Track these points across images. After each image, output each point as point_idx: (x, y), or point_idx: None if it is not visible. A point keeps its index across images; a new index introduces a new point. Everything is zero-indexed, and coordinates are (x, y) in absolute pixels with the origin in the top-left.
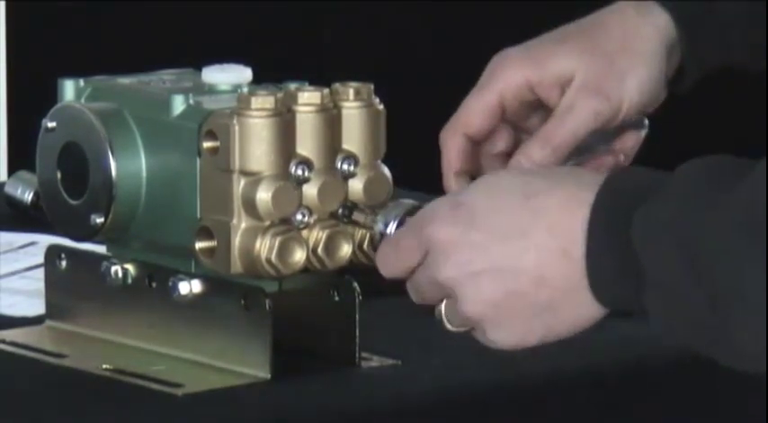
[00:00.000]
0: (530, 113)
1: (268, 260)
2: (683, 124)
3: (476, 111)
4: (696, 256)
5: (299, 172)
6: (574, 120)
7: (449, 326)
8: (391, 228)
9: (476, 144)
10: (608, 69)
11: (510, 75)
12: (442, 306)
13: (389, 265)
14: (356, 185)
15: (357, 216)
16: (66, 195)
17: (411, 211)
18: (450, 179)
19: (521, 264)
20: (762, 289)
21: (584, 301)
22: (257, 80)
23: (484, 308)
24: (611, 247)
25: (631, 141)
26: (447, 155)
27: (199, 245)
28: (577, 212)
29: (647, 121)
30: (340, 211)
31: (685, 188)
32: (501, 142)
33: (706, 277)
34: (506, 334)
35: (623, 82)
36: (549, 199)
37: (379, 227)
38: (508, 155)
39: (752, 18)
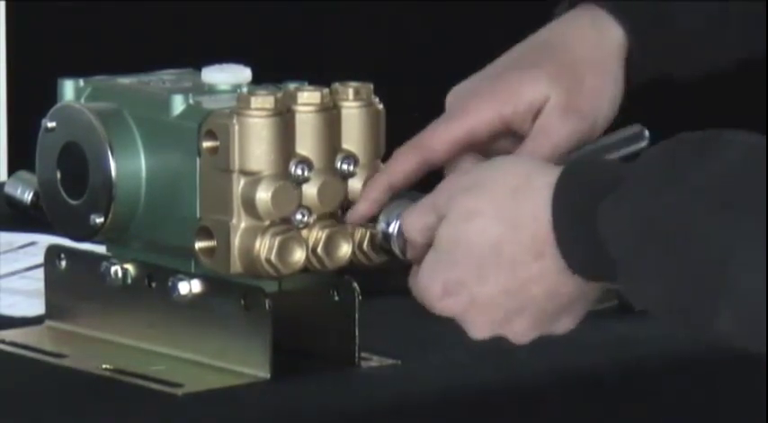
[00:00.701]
0: (496, 139)
1: (268, 260)
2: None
3: (442, 142)
4: (667, 238)
5: (299, 172)
6: (550, 141)
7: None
8: (393, 227)
9: (425, 169)
10: (579, 89)
11: (482, 111)
12: None
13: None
14: (356, 185)
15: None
16: (66, 195)
17: None
18: (381, 185)
19: (531, 296)
20: (738, 267)
21: (594, 289)
22: (257, 80)
23: (530, 332)
24: (580, 245)
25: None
26: (393, 169)
27: (198, 245)
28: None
29: (647, 133)
30: (340, 211)
31: (652, 171)
32: (463, 164)
33: (678, 258)
34: (555, 331)
35: (597, 100)
36: (520, 247)
37: (380, 226)
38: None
39: (707, 33)
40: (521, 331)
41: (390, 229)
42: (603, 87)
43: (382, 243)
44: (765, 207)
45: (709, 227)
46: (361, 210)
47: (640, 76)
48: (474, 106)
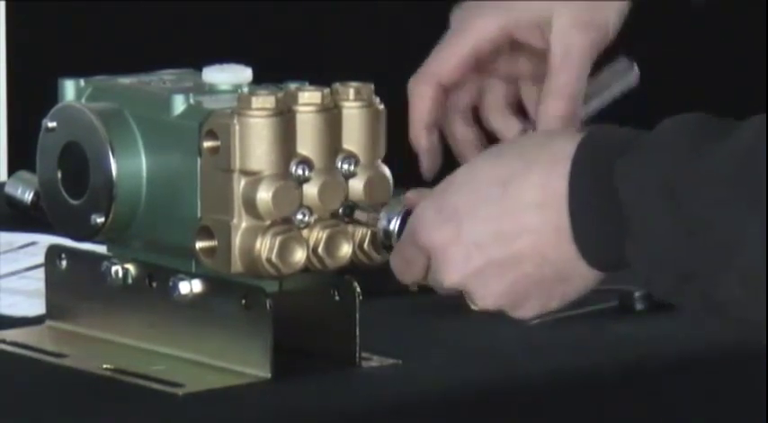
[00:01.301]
0: (497, 57)
1: (268, 260)
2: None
3: (449, 62)
4: (680, 205)
5: (300, 172)
6: (576, 62)
7: (475, 307)
8: (395, 224)
9: (444, 94)
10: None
11: (484, 25)
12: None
13: (406, 275)
14: (356, 185)
15: (359, 215)
16: (67, 195)
17: (411, 210)
18: (421, 133)
19: (518, 251)
20: (750, 237)
21: (584, 267)
22: (257, 80)
23: (496, 299)
24: (593, 203)
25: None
26: (417, 105)
27: (199, 244)
28: (559, 187)
29: (636, 66)
30: (341, 210)
31: (670, 139)
32: (467, 94)
33: (689, 226)
34: (526, 311)
35: (607, 9)
36: (529, 183)
37: (382, 224)
38: (474, 108)
39: None
40: (491, 293)
41: (391, 227)
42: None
43: (383, 240)
44: None
45: (722, 193)
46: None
47: None
48: (474, 20)
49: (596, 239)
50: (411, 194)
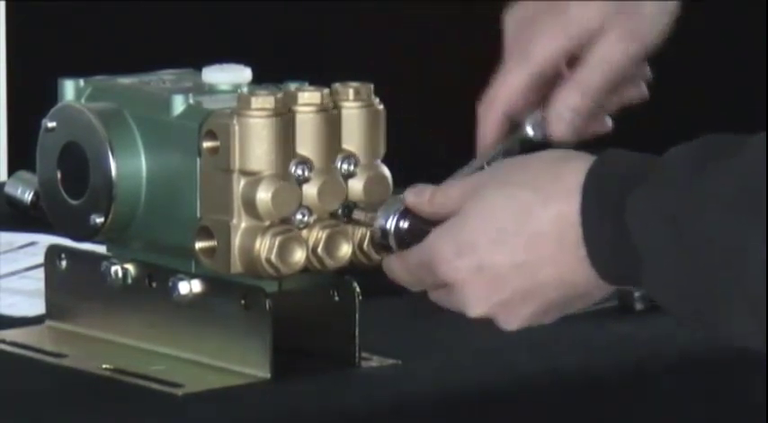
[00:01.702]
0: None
1: (268, 260)
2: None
3: (516, 86)
4: (688, 237)
5: (299, 172)
6: (609, 66)
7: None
8: (391, 222)
9: (509, 120)
10: (637, 14)
11: (548, 48)
12: None
13: (406, 283)
14: (356, 185)
15: (357, 215)
16: (67, 195)
17: (408, 208)
18: (483, 154)
19: (541, 281)
20: (756, 265)
21: (606, 286)
22: (257, 80)
23: (522, 322)
24: (606, 232)
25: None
26: (484, 130)
27: (199, 245)
28: (575, 219)
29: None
30: (339, 210)
31: (678, 170)
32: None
33: (698, 257)
34: (547, 320)
35: (653, 26)
36: (545, 213)
37: (379, 222)
38: None
39: None
40: (517, 317)
41: (388, 225)
42: (660, 13)
43: (380, 239)
44: None
45: (727, 228)
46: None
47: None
48: (536, 43)
49: (616, 271)
50: (410, 194)
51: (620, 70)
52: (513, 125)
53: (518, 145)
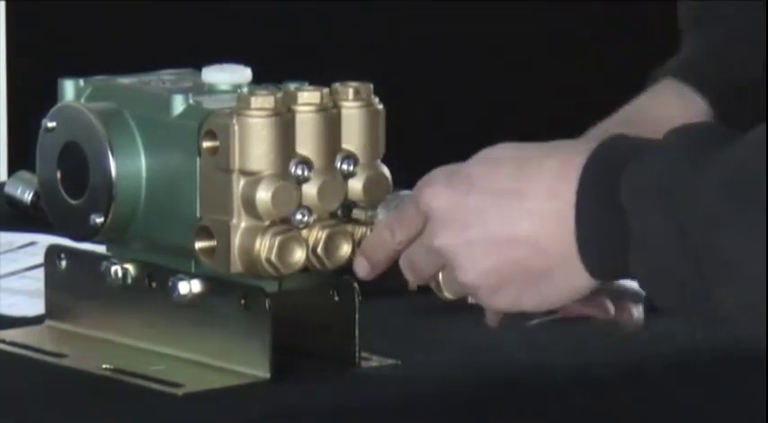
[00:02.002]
0: None
1: (268, 260)
2: None
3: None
4: (681, 218)
5: (299, 172)
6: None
7: (447, 295)
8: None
9: None
10: None
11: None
12: (439, 276)
13: (386, 239)
14: (356, 185)
15: (357, 214)
16: (66, 195)
17: None
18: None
19: (516, 231)
20: (747, 252)
21: (577, 269)
22: (257, 80)
23: (481, 276)
24: (600, 211)
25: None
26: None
27: (198, 244)
28: (572, 178)
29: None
30: (339, 210)
31: (672, 150)
32: None
33: (691, 239)
34: (502, 298)
35: None
36: (544, 165)
37: (379, 217)
38: None
39: None
40: (476, 267)
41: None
42: None
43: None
44: None
45: (719, 211)
46: None
47: None
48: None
49: (599, 244)
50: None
51: None
52: None
53: None
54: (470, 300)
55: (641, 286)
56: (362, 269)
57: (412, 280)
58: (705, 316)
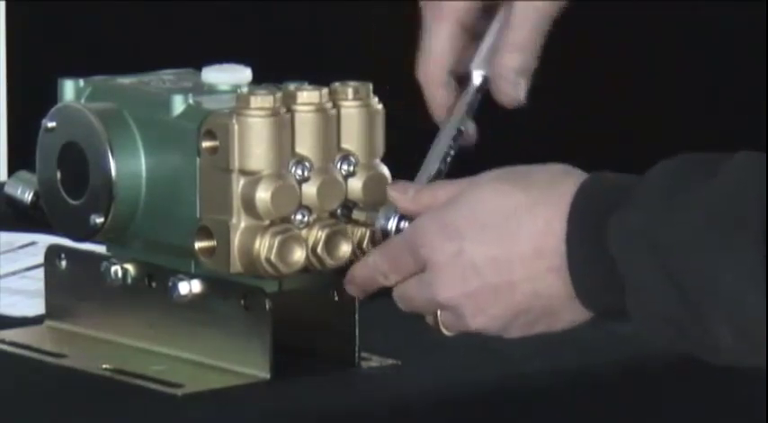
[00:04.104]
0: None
1: (268, 259)
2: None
3: (444, 44)
4: (666, 258)
5: (299, 171)
6: (534, 18)
7: (446, 332)
8: (392, 223)
9: (462, 37)
10: None
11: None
12: (438, 315)
13: (387, 275)
14: (355, 185)
15: (357, 215)
16: (66, 195)
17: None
18: (440, 78)
19: (512, 279)
20: (738, 285)
21: (578, 307)
22: (257, 80)
23: (487, 321)
24: (592, 258)
25: None
26: (432, 95)
27: (198, 244)
28: (558, 228)
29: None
30: (339, 210)
31: (653, 192)
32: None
33: (681, 281)
34: (513, 333)
35: None
36: (530, 218)
37: (380, 223)
38: None
39: None
40: (483, 314)
41: (389, 226)
42: None
43: (381, 240)
44: (751, 222)
45: (702, 248)
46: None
47: None
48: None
49: (596, 291)
50: (393, 193)
51: (544, 19)
52: (459, 80)
53: (476, 96)
54: None
55: (641, 329)
56: (354, 292)
57: (407, 311)
58: (707, 352)
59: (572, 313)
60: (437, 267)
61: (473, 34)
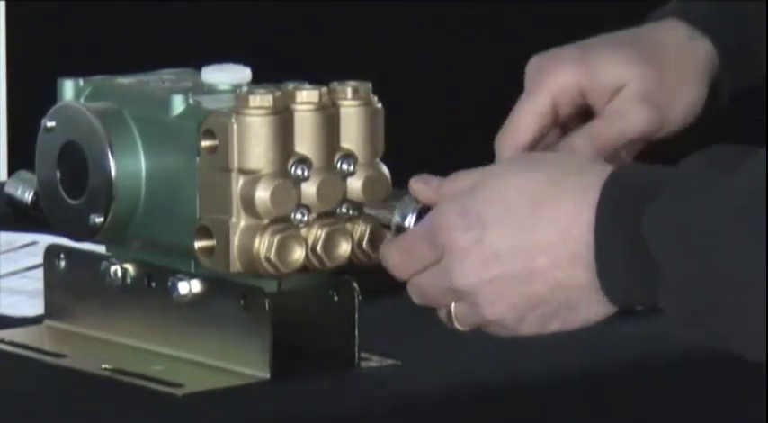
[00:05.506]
0: (580, 121)
1: (267, 259)
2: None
3: (530, 115)
4: (701, 247)
5: (298, 170)
6: (624, 123)
7: (459, 326)
8: (410, 220)
9: (528, 150)
10: (661, 82)
11: (561, 77)
12: (452, 308)
13: (399, 268)
14: (355, 184)
15: (370, 210)
16: (66, 195)
17: (426, 206)
18: None
19: (533, 269)
20: (764, 276)
21: (599, 300)
22: (257, 80)
23: (503, 311)
24: (621, 249)
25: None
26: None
27: (198, 244)
28: (586, 219)
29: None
30: (344, 207)
31: (690, 182)
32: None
33: (716, 276)
34: (527, 328)
35: (675, 97)
36: (558, 207)
37: (395, 220)
38: None
39: None
40: (500, 302)
41: (406, 223)
42: (684, 88)
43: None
44: None
45: (738, 242)
46: None
47: (727, 92)
48: (553, 72)
49: (622, 281)
50: (417, 185)
51: (633, 131)
52: None
53: None
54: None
55: (675, 320)
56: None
57: (420, 304)
58: (736, 349)
59: (590, 309)
60: (456, 253)
61: (560, 120)
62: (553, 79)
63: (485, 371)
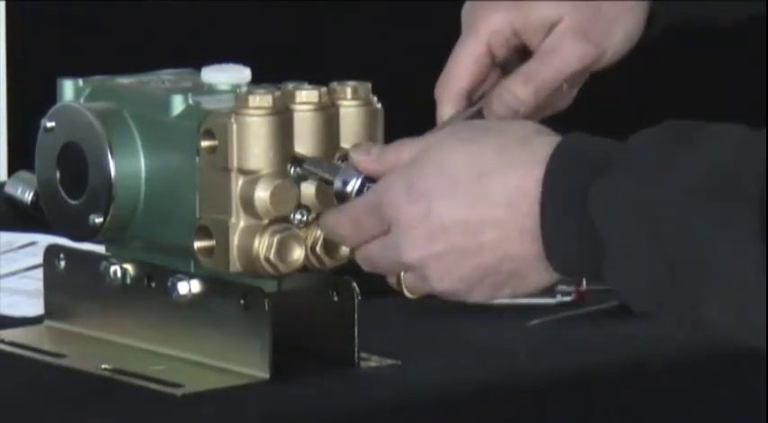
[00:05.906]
0: (518, 60)
1: (267, 259)
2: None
3: (466, 60)
4: (654, 225)
5: (298, 170)
6: (558, 61)
7: (409, 294)
8: (353, 185)
9: (468, 97)
10: (595, 15)
11: (494, 19)
12: (402, 276)
13: (350, 237)
14: None
15: (309, 166)
16: (66, 195)
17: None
18: (438, 127)
19: (481, 242)
20: (725, 254)
21: (546, 267)
22: (257, 80)
23: (453, 283)
24: (568, 222)
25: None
26: (441, 110)
27: (197, 244)
28: (532, 190)
29: None
30: (288, 165)
31: (642, 156)
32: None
33: (667, 250)
34: (477, 297)
35: (610, 29)
36: (503, 179)
37: (337, 185)
38: None
39: None
40: (449, 275)
41: (348, 189)
42: (620, 19)
43: (337, 203)
44: (749, 194)
45: (694, 215)
46: None
47: (662, 21)
48: (484, 16)
49: (570, 254)
50: (357, 155)
51: (569, 67)
52: (471, 103)
53: (474, 116)
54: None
55: (620, 295)
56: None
57: (369, 271)
58: (691, 324)
59: (540, 275)
60: (403, 228)
61: (497, 62)
62: (486, 22)
63: (485, 371)
